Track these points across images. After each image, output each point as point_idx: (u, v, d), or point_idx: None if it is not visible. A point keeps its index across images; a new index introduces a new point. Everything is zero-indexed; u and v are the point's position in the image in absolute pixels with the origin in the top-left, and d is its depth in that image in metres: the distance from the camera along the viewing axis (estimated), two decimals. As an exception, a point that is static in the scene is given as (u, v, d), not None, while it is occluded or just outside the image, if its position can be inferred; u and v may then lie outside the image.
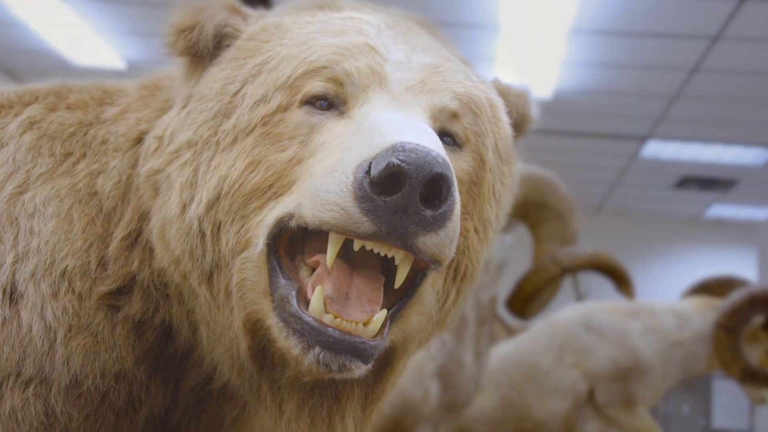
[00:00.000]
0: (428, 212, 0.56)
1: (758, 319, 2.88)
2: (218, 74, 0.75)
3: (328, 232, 0.60)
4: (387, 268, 0.64)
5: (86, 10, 4.62)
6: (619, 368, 2.86)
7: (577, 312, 3.21)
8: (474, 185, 0.73)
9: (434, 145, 0.59)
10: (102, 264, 0.78)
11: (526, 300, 2.77)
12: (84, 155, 0.83)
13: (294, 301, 0.62)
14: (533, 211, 2.62)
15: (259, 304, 0.65)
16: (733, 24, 3.94)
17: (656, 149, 6.34)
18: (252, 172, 0.66)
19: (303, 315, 0.61)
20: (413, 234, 0.56)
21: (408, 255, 0.60)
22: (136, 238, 0.79)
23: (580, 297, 3.64)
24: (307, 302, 0.62)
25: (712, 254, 8.29)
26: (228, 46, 0.77)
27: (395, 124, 0.61)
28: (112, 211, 0.80)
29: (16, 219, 0.78)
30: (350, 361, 0.59)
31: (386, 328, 0.63)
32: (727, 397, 6.39)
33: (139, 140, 0.83)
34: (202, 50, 0.76)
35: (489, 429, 2.88)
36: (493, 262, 2.27)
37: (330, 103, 0.68)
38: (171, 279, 0.75)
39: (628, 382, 2.86)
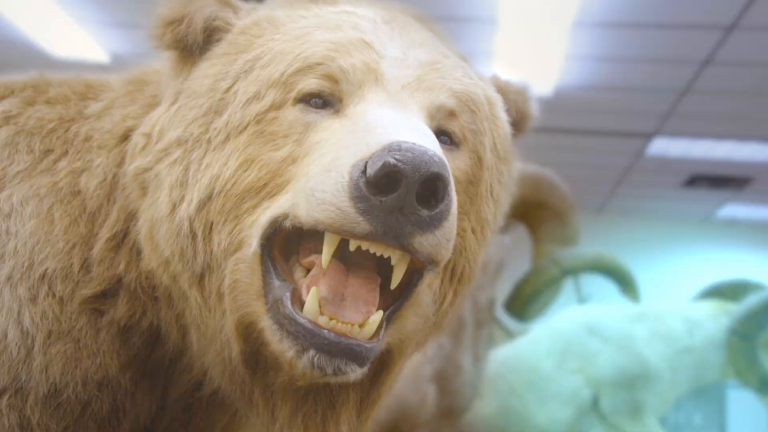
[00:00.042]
0: (425, 212, 0.57)
1: (775, 325, 2.79)
2: (209, 70, 0.75)
3: (323, 233, 0.61)
4: (383, 268, 0.65)
5: (67, -1, 4.57)
6: (624, 374, 2.83)
7: (579, 315, 3.18)
8: (471, 185, 0.75)
9: (431, 144, 0.60)
10: (85, 266, 0.77)
11: (526, 302, 2.78)
12: (66, 152, 0.83)
13: (288, 303, 0.63)
14: (532, 211, 2.64)
15: (252, 306, 0.66)
16: (750, 13, 3.79)
17: (663, 147, 6.25)
18: (245, 171, 0.67)
19: (297, 317, 0.61)
20: (409, 234, 0.57)
21: (404, 255, 0.61)
22: (122, 239, 0.79)
23: (581, 300, 3.64)
24: (301, 304, 0.63)
25: (724, 256, 8.15)
26: (218, 40, 0.77)
27: (391, 123, 0.62)
28: (97, 211, 0.80)
29: None
30: (345, 364, 0.60)
31: (382, 329, 0.64)
32: (743, 407, 6.23)
33: (125, 137, 0.83)
34: (192, 44, 0.77)
35: (488, 436, 2.86)
36: (491, 263, 2.29)
37: (325, 101, 0.69)
38: (160, 281, 0.76)
39: (634, 389, 2.83)
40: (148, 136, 0.77)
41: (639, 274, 3.28)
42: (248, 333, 0.67)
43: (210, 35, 0.77)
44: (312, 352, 0.60)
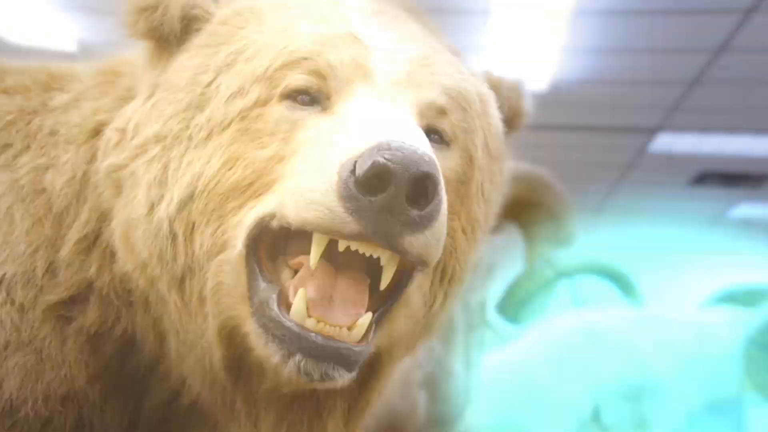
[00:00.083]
0: (414, 212, 0.58)
1: (798, 336, 2.72)
2: (188, 62, 0.75)
3: (311, 233, 0.62)
4: (372, 269, 0.66)
5: (29, -19, 4.46)
6: (628, 385, 2.86)
7: (577, 320, 3.13)
8: (462, 184, 0.76)
9: (421, 143, 0.62)
10: (51, 270, 0.76)
11: (519, 305, 2.78)
12: (27, 147, 0.82)
13: (274, 305, 0.64)
14: (525, 211, 2.67)
15: (236, 310, 0.67)
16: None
17: (669, 142, 6.05)
18: (229, 169, 0.68)
19: (284, 320, 0.62)
20: (399, 234, 0.59)
21: (394, 256, 0.62)
22: (94, 240, 0.78)
23: (578, 304, 3.62)
24: (288, 306, 0.63)
25: (737, 259, 7.53)
26: (197, 30, 0.77)
27: (381, 122, 0.63)
28: (65, 211, 0.79)
29: None
30: (333, 369, 0.61)
31: (371, 332, 0.66)
32: (765, 424, 6.17)
33: (96, 132, 0.82)
34: (168, 34, 0.76)
35: (482, 448, 2.84)
36: (482, 264, 2.31)
37: (312, 97, 0.70)
38: (136, 285, 0.76)
39: (639, 401, 2.81)
40: (123, 131, 0.77)
41: (642, 277, 3.13)
42: (231, 338, 0.68)
43: (188, 24, 0.77)
44: (298, 357, 0.61)
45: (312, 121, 0.68)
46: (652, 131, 5.88)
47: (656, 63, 4.67)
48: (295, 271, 0.66)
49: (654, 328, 2.87)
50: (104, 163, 0.77)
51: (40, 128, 0.83)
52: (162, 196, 0.70)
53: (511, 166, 0.92)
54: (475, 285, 2.30)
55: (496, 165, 0.83)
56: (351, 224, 0.58)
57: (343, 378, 0.63)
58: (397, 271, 0.65)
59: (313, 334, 0.61)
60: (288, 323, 0.62)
